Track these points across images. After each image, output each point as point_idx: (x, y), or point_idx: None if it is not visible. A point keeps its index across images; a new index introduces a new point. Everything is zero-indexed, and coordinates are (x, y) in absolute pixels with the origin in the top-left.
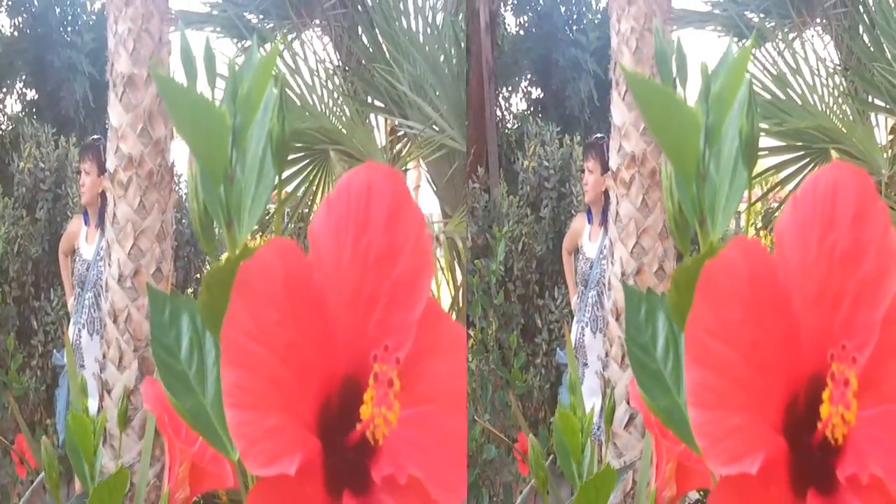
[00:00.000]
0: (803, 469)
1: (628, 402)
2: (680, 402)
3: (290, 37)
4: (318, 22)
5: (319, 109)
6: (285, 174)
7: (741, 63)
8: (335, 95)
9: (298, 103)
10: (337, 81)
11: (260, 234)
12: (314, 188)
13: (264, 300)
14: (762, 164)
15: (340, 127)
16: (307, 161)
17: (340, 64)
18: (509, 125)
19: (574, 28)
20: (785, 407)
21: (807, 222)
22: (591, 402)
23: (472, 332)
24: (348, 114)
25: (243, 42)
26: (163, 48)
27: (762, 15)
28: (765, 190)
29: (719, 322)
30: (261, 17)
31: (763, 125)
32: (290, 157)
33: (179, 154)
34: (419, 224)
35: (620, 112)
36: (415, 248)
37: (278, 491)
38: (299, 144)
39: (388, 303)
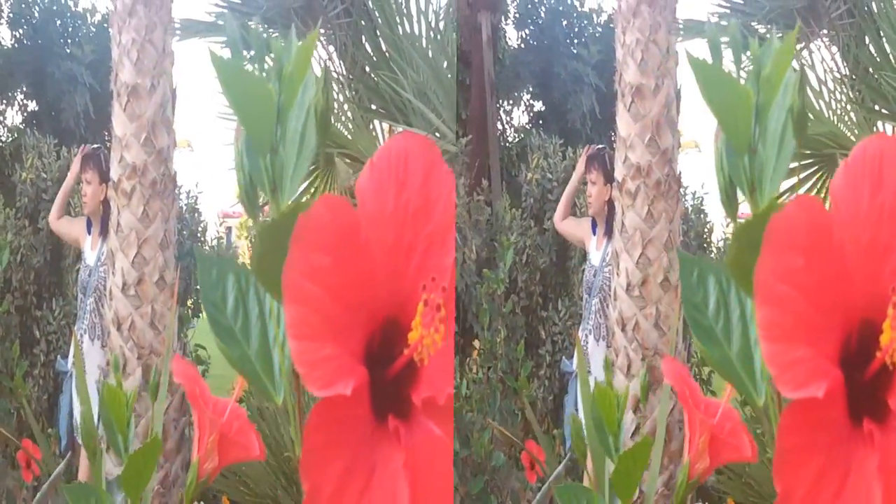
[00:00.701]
0: (859, 399)
1: (634, 412)
2: (731, 355)
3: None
4: (321, 31)
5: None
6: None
7: (786, 51)
8: (340, 101)
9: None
10: (342, 89)
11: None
12: (320, 190)
13: (319, 247)
14: None
15: (346, 132)
16: (313, 165)
17: (344, 71)
18: (510, 138)
19: (575, 41)
20: (841, 343)
21: (857, 183)
22: None
23: (476, 343)
24: (353, 119)
25: (249, 52)
26: (166, 58)
27: (768, 25)
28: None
29: (784, 267)
30: (265, 26)
31: None
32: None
33: (182, 164)
34: (450, 184)
35: (626, 123)
36: (446, 204)
37: (335, 411)
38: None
39: (425, 250)
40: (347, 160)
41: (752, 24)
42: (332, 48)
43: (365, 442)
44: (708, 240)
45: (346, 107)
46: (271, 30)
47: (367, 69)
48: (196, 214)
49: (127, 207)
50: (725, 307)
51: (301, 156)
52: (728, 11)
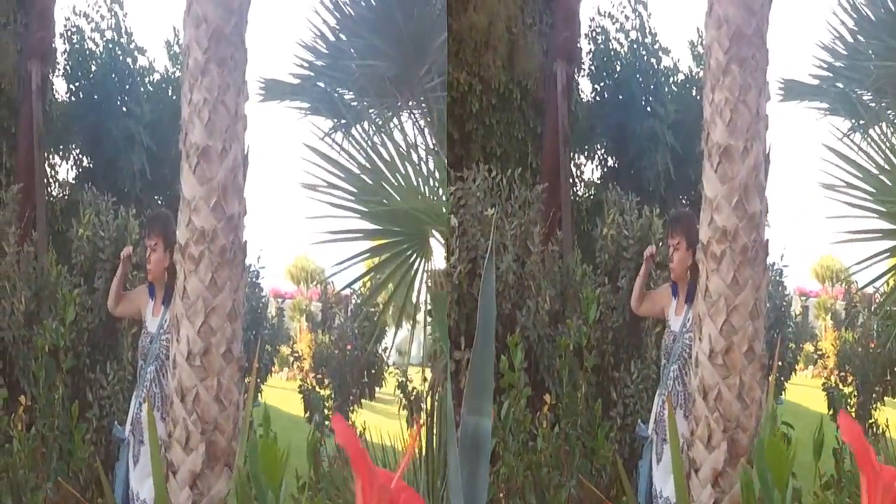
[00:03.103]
0: None
1: (713, 486)
2: None
3: (386, 115)
4: (411, 103)
5: (422, 190)
6: (383, 257)
7: None
8: (437, 175)
9: (404, 185)
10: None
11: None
12: (413, 272)
13: None
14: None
15: (442, 207)
16: (406, 244)
17: (433, 145)
18: (580, 191)
19: (651, 99)
20: None
21: None
22: (671, 480)
23: (547, 397)
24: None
25: (338, 119)
26: (238, 121)
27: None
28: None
29: None
30: (355, 94)
31: (878, 207)
32: (388, 240)
33: (252, 232)
34: None
35: (712, 184)
36: None
37: None
38: (397, 228)
39: None
40: (441, 235)
41: (857, 90)
42: (425, 121)
43: None
44: (786, 313)
45: (436, 183)
46: (364, 100)
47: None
48: (257, 290)
49: (194, 273)
50: None
51: None
52: (830, 75)
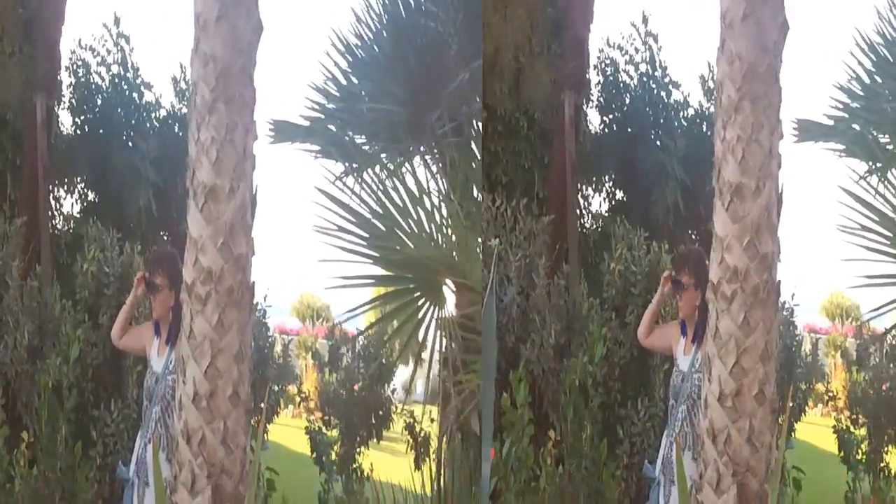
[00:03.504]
0: None
1: None
2: None
3: (398, 160)
4: (422, 148)
5: (436, 238)
6: (393, 305)
7: None
8: (449, 222)
9: (416, 231)
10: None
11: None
12: (426, 321)
13: None
14: (885, 292)
15: (455, 254)
16: (418, 292)
17: (446, 189)
18: (587, 224)
19: (660, 133)
20: None
21: None
22: None
23: (551, 433)
24: (456, 241)
25: (349, 163)
26: (247, 161)
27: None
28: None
29: None
30: (367, 138)
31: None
32: (402, 287)
33: (260, 273)
34: None
35: (723, 223)
36: None
37: None
38: (410, 275)
39: None
40: (453, 284)
41: (874, 132)
42: (437, 166)
43: None
44: (797, 352)
45: (449, 229)
46: (375, 144)
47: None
48: (263, 329)
49: (201, 314)
50: None
51: None
52: (846, 116)
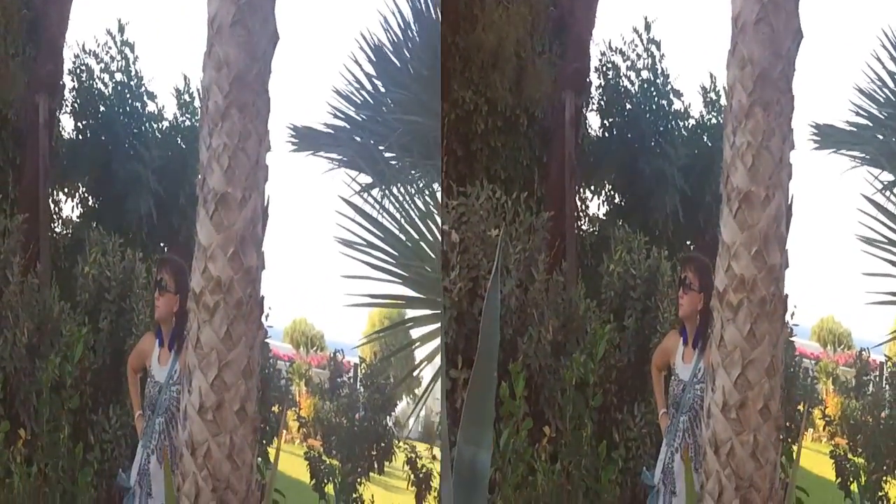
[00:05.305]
0: None
1: None
2: None
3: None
4: None
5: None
6: (421, 332)
7: None
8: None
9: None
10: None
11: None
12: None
13: None
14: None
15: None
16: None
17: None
18: (584, 226)
19: (661, 140)
20: None
21: None
22: None
23: (547, 429)
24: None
25: (375, 176)
26: (259, 171)
27: None
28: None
29: None
30: (397, 152)
31: None
32: (433, 311)
33: (270, 287)
34: None
35: (731, 230)
36: None
37: None
38: (440, 299)
39: None
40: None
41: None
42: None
43: None
44: (796, 372)
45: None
46: (407, 157)
47: None
48: (265, 349)
49: (208, 324)
50: None
51: None
52: (870, 123)
